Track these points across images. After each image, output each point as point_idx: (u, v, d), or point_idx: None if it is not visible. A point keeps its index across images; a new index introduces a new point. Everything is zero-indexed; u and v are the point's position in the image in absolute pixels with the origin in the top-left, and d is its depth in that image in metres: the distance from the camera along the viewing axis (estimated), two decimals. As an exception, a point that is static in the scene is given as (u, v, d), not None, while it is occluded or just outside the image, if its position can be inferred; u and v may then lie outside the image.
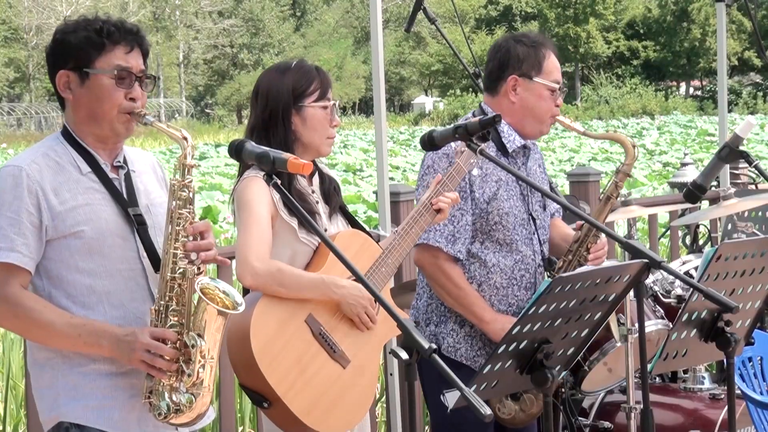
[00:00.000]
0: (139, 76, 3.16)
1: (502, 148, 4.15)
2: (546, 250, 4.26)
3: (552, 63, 4.19)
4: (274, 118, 3.69)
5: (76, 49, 3.13)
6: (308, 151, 3.68)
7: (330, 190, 3.81)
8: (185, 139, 3.10)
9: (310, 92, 3.71)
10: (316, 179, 3.80)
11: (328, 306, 3.58)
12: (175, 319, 3.07)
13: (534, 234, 4.19)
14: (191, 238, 3.08)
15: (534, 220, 4.20)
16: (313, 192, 3.75)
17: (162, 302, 3.08)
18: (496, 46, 4.26)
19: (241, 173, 3.69)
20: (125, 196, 3.19)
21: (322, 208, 3.74)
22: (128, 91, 3.14)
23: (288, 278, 3.52)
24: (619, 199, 4.82)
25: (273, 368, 3.43)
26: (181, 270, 3.07)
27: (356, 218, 3.93)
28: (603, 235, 4.20)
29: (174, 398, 3.06)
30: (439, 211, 3.74)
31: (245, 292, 3.63)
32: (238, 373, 3.52)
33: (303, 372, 3.48)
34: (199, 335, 3.05)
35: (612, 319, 4.31)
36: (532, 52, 4.15)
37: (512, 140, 4.16)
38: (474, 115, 4.19)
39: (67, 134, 3.19)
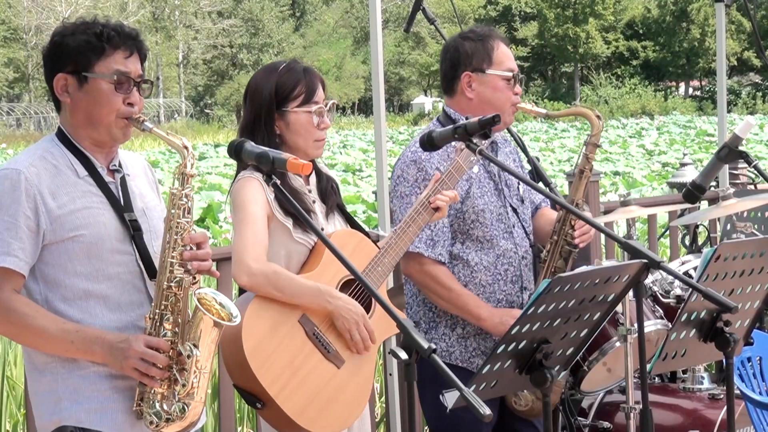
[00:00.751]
0: (137, 81, 3.15)
1: None
2: (529, 241, 4.26)
3: (502, 52, 4.19)
4: (257, 121, 3.68)
5: (75, 53, 3.11)
6: (295, 153, 3.59)
7: (328, 189, 3.79)
8: (186, 148, 3.09)
9: (294, 96, 3.68)
10: (312, 178, 3.78)
11: None
12: (169, 327, 3.06)
13: (513, 227, 4.19)
14: (188, 247, 3.08)
15: (515, 212, 4.21)
16: (309, 191, 3.74)
17: (157, 310, 3.07)
18: (445, 47, 4.26)
19: (237, 172, 3.68)
20: (121, 200, 3.18)
21: (318, 207, 3.73)
22: (127, 96, 3.13)
23: (284, 282, 3.50)
24: (618, 199, 4.82)
25: (265, 369, 3.42)
26: (177, 279, 3.06)
27: (354, 218, 3.92)
28: (586, 211, 4.21)
29: (165, 407, 3.05)
30: (437, 209, 3.73)
31: (240, 293, 3.63)
32: (231, 374, 3.51)
33: (296, 372, 3.47)
34: (194, 345, 3.04)
35: None
36: (480, 46, 4.16)
37: None
38: (438, 121, 4.21)
39: (62, 137, 3.17)
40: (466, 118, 3.69)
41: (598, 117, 4.26)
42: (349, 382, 3.58)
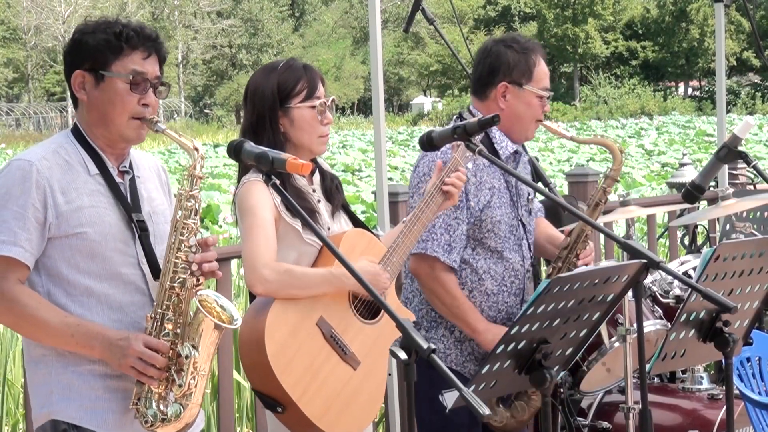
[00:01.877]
0: (153, 83, 3.17)
1: (494, 153, 4.10)
2: (533, 255, 4.27)
3: (542, 70, 4.15)
4: (261, 121, 3.65)
5: (93, 51, 3.14)
6: (300, 151, 3.61)
7: (332, 188, 3.76)
8: (196, 149, 3.11)
9: (296, 92, 3.65)
10: (316, 177, 3.76)
11: (338, 306, 3.55)
12: (170, 327, 3.07)
13: (522, 239, 4.19)
14: (194, 249, 3.08)
15: (523, 226, 4.21)
16: (314, 191, 3.72)
17: (159, 310, 3.08)
18: (486, 50, 4.19)
19: (240, 175, 3.65)
20: (129, 201, 3.19)
21: (323, 206, 3.71)
22: (142, 97, 3.14)
23: (298, 278, 3.48)
24: (618, 199, 4.82)
25: (287, 373, 3.40)
26: (180, 280, 3.07)
27: (358, 217, 3.90)
28: (591, 243, 4.22)
29: (162, 407, 3.06)
30: (446, 194, 3.66)
31: (251, 298, 3.61)
32: (252, 379, 3.49)
33: (315, 375, 3.45)
34: (193, 346, 3.05)
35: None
36: (523, 59, 4.11)
37: (504, 146, 4.14)
38: (462, 118, 4.14)
39: (77, 134, 3.20)
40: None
41: (621, 151, 4.23)
42: (365, 383, 3.57)
